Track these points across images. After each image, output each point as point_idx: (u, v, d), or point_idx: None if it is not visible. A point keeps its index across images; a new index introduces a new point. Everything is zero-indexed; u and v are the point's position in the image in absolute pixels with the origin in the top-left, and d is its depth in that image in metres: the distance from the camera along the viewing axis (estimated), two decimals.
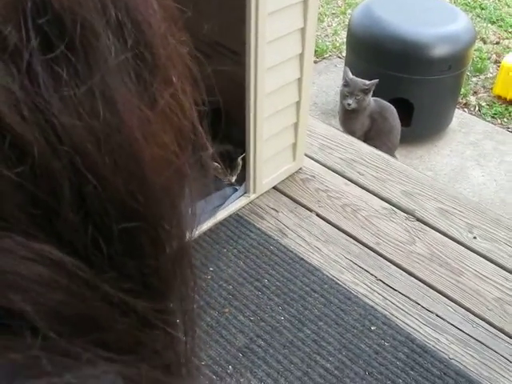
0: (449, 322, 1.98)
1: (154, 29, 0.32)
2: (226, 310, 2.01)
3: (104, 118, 0.29)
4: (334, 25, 4.96)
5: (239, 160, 2.33)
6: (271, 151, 2.32)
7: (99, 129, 0.29)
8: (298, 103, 2.30)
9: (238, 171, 2.37)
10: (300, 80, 2.23)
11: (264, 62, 2.03)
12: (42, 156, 0.28)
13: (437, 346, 1.92)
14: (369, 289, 2.08)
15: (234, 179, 2.37)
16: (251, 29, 1.94)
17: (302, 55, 2.18)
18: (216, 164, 2.18)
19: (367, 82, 3.22)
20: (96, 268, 0.31)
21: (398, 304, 2.03)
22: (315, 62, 4.32)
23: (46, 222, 0.29)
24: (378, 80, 3.20)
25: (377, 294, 2.06)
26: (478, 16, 5.19)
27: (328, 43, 4.68)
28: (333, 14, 5.10)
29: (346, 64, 3.68)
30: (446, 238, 2.27)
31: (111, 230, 0.31)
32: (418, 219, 2.34)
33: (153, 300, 0.34)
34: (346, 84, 3.26)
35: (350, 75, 3.25)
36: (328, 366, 1.87)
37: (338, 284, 2.09)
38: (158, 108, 0.32)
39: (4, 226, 0.28)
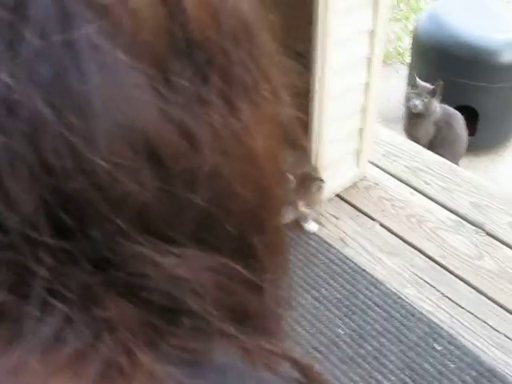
0: None
1: (267, 49, 0.35)
2: None
3: (233, 133, 0.32)
4: (396, 30, 4.83)
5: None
6: (334, 156, 2.24)
7: (228, 142, 0.32)
8: (364, 109, 2.21)
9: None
10: (367, 84, 2.15)
11: (331, 64, 1.96)
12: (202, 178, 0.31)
13: (506, 370, 1.80)
14: (434, 305, 1.97)
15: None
16: (319, 29, 1.87)
17: (370, 59, 2.09)
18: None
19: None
20: (252, 269, 0.35)
21: (465, 323, 1.92)
22: None
23: (211, 234, 0.33)
24: (442, 82, 3.08)
25: (442, 311, 1.95)
26: None
27: (391, 49, 4.56)
28: (396, 18, 4.97)
29: (411, 70, 3.57)
30: None
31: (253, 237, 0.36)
32: (488, 233, 2.21)
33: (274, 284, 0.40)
34: (414, 86, 3.17)
35: (418, 80, 3.15)
36: None
37: (401, 298, 1.99)
38: (267, 119, 0.35)
39: (183, 242, 0.32)
